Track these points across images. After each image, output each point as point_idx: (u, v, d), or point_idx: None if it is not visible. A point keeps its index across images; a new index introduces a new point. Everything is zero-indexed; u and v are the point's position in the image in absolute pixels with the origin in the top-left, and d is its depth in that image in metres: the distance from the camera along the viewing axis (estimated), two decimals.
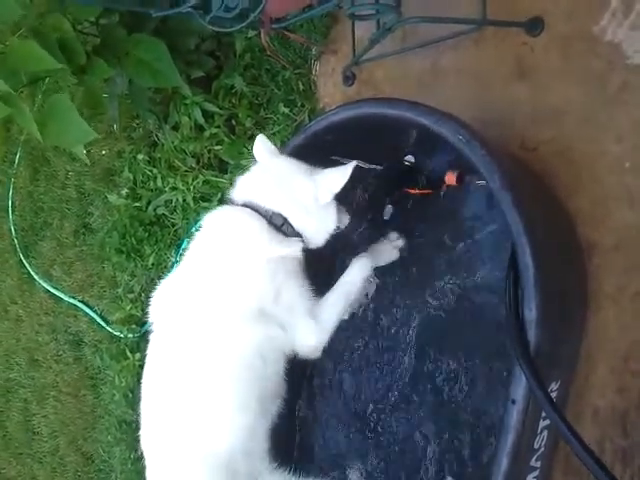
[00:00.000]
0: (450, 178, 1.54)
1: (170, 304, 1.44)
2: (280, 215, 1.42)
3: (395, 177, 1.66)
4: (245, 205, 1.43)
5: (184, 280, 1.45)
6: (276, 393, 1.43)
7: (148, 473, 1.41)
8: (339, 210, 1.49)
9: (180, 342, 1.39)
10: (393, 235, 1.63)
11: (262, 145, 1.52)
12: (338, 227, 1.50)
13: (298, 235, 1.44)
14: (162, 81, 2.03)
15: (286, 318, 1.39)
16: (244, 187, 1.47)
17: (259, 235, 1.39)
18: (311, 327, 1.41)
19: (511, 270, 1.26)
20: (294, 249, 1.42)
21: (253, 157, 1.54)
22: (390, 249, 1.62)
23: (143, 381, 1.44)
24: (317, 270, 1.51)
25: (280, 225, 1.41)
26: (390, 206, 1.64)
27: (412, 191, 1.64)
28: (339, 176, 1.40)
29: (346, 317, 1.62)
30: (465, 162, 1.29)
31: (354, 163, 1.40)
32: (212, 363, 1.36)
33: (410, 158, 1.65)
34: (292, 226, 1.43)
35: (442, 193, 1.62)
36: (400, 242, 1.62)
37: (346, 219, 1.52)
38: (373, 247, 1.61)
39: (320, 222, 1.46)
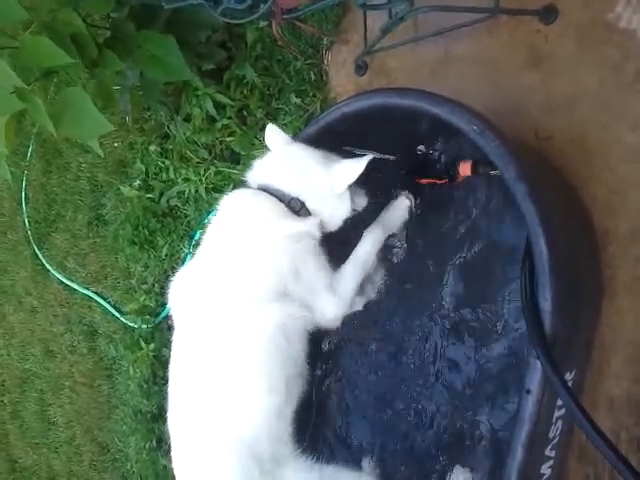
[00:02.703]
0: (464, 169, 1.53)
1: (190, 290, 1.45)
2: (297, 199, 1.44)
3: (408, 167, 1.65)
4: (261, 188, 1.45)
5: (203, 265, 1.46)
6: (300, 374, 1.45)
7: (174, 456, 1.43)
8: (357, 192, 1.51)
9: (204, 327, 1.40)
10: (401, 196, 1.63)
11: (274, 133, 1.54)
12: (355, 210, 1.52)
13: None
14: (173, 75, 2.02)
15: (306, 295, 1.41)
16: (261, 171, 1.49)
17: (276, 214, 1.41)
18: (330, 300, 1.44)
19: (526, 259, 1.26)
20: (310, 224, 1.43)
21: (266, 147, 1.54)
22: (399, 211, 1.62)
23: (170, 367, 1.46)
24: (331, 245, 1.52)
25: (298, 209, 1.43)
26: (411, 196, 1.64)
27: (425, 181, 1.64)
28: (354, 168, 1.41)
29: (360, 308, 1.63)
30: (479, 152, 1.28)
31: (370, 156, 1.41)
32: (236, 346, 1.37)
33: (421, 147, 1.65)
34: (309, 211, 1.45)
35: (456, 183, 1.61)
36: (408, 202, 1.62)
37: (364, 201, 1.54)
38: (383, 214, 1.61)
39: (334, 209, 1.47)
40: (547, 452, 1.36)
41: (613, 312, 1.53)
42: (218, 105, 2.32)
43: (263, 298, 1.37)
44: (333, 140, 1.55)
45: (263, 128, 2.25)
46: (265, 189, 1.45)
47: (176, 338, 1.46)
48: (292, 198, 1.43)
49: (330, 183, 1.43)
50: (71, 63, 1.76)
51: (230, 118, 2.32)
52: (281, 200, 1.43)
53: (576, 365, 1.41)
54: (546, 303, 1.18)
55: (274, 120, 2.25)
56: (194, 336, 1.43)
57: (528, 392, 1.21)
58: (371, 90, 1.64)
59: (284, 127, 2.21)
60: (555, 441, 1.36)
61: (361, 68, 2.07)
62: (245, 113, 2.32)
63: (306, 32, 2.16)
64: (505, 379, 1.51)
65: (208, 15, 1.56)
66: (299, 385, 1.45)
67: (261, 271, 1.39)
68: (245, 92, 2.31)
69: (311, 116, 2.15)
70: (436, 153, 1.63)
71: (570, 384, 1.36)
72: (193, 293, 1.45)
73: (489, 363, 1.55)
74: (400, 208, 1.61)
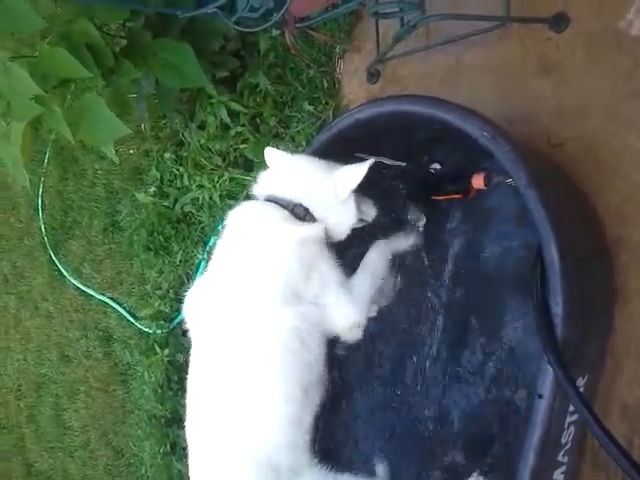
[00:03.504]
0: (478, 182, 1.53)
1: (205, 303, 1.47)
2: (301, 206, 1.45)
3: (421, 186, 1.67)
4: (267, 199, 1.48)
5: (216, 277, 1.47)
6: (319, 380, 1.44)
7: (191, 466, 1.44)
8: (364, 202, 1.52)
9: (220, 338, 1.41)
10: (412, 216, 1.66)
11: (273, 152, 1.56)
12: (363, 220, 1.53)
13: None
14: (189, 82, 2.06)
15: (319, 295, 1.42)
16: (265, 182, 1.52)
17: (282, 221, 1.42)
18: (347, 300, 1.44)
19: (538, 265, 1.27)
20: (316, 229, 1.44)
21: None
22: (406, 233, 1.66)
23: (189, 379, 1.47)
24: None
25: (303, 216, 1.45)
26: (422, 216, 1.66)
27: (439, 198, 1.65)
28: (356, 173, 1.42)
29: (374, 314, 1.63)
30: (491, 161, 1.29)
31: (372, 160, 1.42)
32: (253, 353, 1.38)
33: (436, 165, 1.66)
34: (314, 217, 1.46)
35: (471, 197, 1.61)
36: (419, 223, 1.65)
37: (373, 212, 1.55)
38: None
39: (340, 216, 1.48)
40: (560, 458, 1.36)
41: (626, 319, 1.53)
42: (232, 113, 2.35)
43: (276, 302, 1.38)
44: (346, 147, 1.57)
45: (276, 135, 2.30)
46: (270, 199, 1.47)
47: (194, 351, 1.47)
48: (296, 205, 1.45)
49: (333, 189, 1.44)
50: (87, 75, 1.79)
51: (244, 125, 2.34)
52: (285, 207, 1.45)
53: (588, 370, 1.41)
54: (557, 307, 1.19)
55: (287, 127, 2.28)
56: (211, 348, 1.44)
57: (540, 397, 1.21)
58: (383, 97, 1.65)
59: (297, 134, 2.23)
60: (568, 447, 1.36)
61: (373, 76, 2.09)
62: (258, 121, 2.34)
63: (319, 40, 2.18)
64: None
65: (222, 24, 1.59)
66: (318, 393, 1.45)
67: (272, 276, 1.40)
68: (258, 100, 2.33)
69: (324, 123, 2.17)
70: (447, 168, 1.64)
71: (582, 389, 1.37)
72: (207, 305, 1.46)
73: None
74: (406, 238, 1.66)
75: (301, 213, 1.45)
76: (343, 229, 1.50)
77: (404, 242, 1.66)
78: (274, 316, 1.38)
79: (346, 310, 1.44)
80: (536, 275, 1.27)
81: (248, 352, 1.38)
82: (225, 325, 1.41)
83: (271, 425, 1.36)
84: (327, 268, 1.44)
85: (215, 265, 1.49)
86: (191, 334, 1.49)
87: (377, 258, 1.55)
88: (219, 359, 1.41)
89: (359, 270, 1.52)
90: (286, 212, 1.44)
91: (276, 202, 1.46)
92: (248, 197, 2.31)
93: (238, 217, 1.50)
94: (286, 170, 1.52)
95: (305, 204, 1.45)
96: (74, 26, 1.87)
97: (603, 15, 1.59)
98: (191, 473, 1.44)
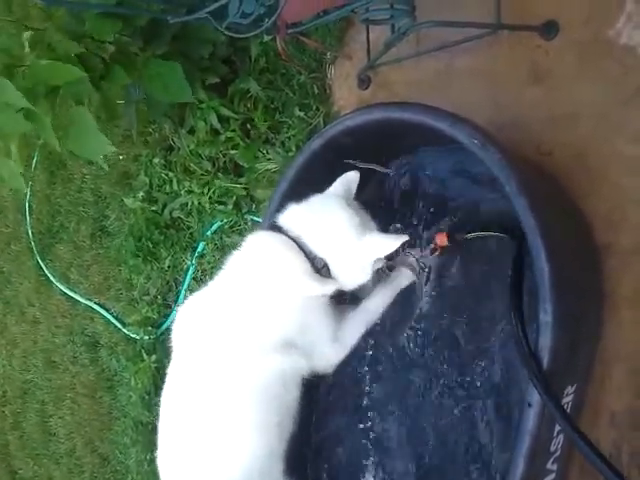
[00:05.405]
0: (441, 239, 1.53)
1: (196, 323, 1.46)
2: (322, 260, 1.43)
3: None
4: (291, 238, 1.43)
5: (215, 300, 1.47)
6: (292, 416, 1.46)
7: None
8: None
9: (202, 363, 1.41)
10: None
11: (345, 180, 1.51)
12: None
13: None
14: (174, 97, 2.10)
15: (310, 346, 1.44)
16: (295, 220, 1.45)
17: (300, 276, 1.41)
18: (333, 349, 1.49)
19: (516, 279, 1.27)
20: (330, 289, 1.45)
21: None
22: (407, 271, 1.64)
23: (162, 400, 1.47)
24: None
25: (320, 268, 1.43)
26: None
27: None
28: (387, 245, 1.41)
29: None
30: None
31: (405, 237, 1.41)
32: (233, 389, 1.38)
33: (398, 226, 1.67)
34: (330, 272, 1.44)
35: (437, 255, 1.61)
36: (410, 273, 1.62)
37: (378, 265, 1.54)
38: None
39: (356, 276, 1.48)
40: (549, 465, 1.36)
41: (615, 325, 1.53)
42: (222, 118, 2.34)
43: (267, 347, 1.39)
44: (336, 153, 1.57)
45: (267, 141, 2.29)
46: (295, 241, 1.43)
47: (172, 370, 1.46)
48: (317, 257, 1.42)
49: (359, 252, 1.42)
50: (80, 78, 1.79)
51: (234, 131, 2.33)
52: (307, 256, 1.42)
53: (577, 379, 1.41)
54: (547, 316, 1.19)
55: (277, 133, 2.27)
56: (191, 371, 1.43)
57: (529, 405, 1.21)
58: (374, 104, 1.65)
59: (287, 140, 2.23)
60: (557, 454, 1.36)
61: (364, 82, 2.09)
62: (249, 126, 2.34)
63: (310, 46, 2.18)
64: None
65: (212, 30, 1.58)
66: (291, 426, 1.46)
67: (271, 322, 1.41)
68: (249, 105, 2.32)
69: (314, 129, 2.17)
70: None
71: (571, 397, 1.37)
72: (198, 328, 1.45)
73: None
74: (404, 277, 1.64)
75: (319, 265, 1.43)
76: (353, 286, 1.50)
77: (405, 281, 1.64)
78: (263, 360, 1.39)
79: (330, 356, 1.49)
80: (514, 289, 1.28)
81: (230, 386, 1.39)
82: (211, 354, 1.41)
83: (244, 456, 1.38)
84: (325, 323, 1.47)
85: (219, 286, 1.48)
86: (174, 350, 1.47)
87: (379, 305, 1.57)
88: (198, 386, 1.41)
89: (357, 313, 1.54)
90: (308, 264, 1.41)
91: (299, 245, 1.42)
92: (238, 204, 2.37)
93: (259, 249, 1.47)
94: (320, 217, 1.45)
95: (326, 259, 1.43)
96: (61, 45, 1.87)
97: (593, 23, 1.60)
98: None
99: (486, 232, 1.49)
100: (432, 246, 1.58)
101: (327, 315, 1.47)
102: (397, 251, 1.45)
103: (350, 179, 1.51)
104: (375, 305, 1.56)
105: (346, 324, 1.52)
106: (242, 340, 1.39)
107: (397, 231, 1.66)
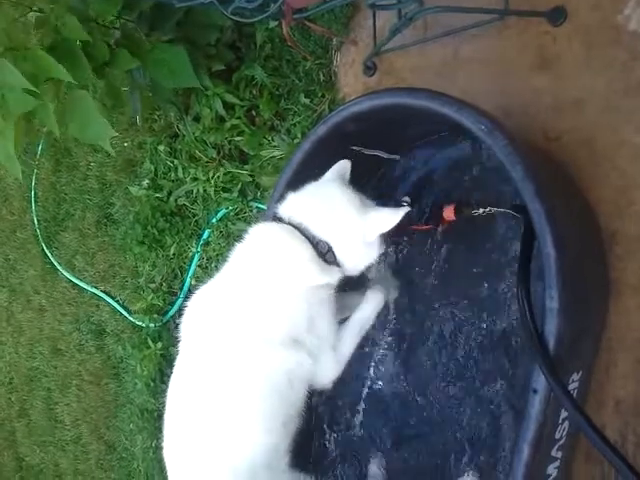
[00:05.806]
0: (448, 213, 1.53)
1: (203, 317, 1.45)
2: (326, 243, 1.41)
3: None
4: (293, 225, 1.42)
5: (220, 293, 1.45)
6: (298, 414, 1.46)
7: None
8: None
9: (210, 357, 1.41)
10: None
11: (339, 167, 1.51)
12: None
13: (338, 264, 1.44)
14: (180, 82, 2.09)
15: (315, 347, 1.43)
16: (295, 208, 1.44)
17: (306, 263, 1.39)
18: (333, 360, 1.48)
19: (523, 268, 1.26)
20: (335, 277, 1.43)
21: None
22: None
23: (169, 392, 1.46)
24: None
25: (325, 253, 1.41)
26: None
27: (413, 228, 1.67)
28: (390, 218, 1.39)
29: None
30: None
31: (407, 208, 1.40)
32: (240, 383, 1.38)
33: (407, 199, 1.66)
34: (335, 255, 1.42)
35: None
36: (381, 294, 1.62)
37: (382, 249, 1.52)
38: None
39: (361, 257, 1.46)
40: (553, 453, 1.36)
41: (620, 313, 1.53)
42: (227, 105, 2.33)
43: (276, 342, 1.38)
44: (341, 140, 1.56)
45: (272, 128, 2.29)
46: (297, 227, 1.41)
47: (179, 363, 1.46)
48: (320, 241, 1.40)
49: (362, 230, 1.41)
50: (75, 74, 1.79)
51: (239, 118, 2.33)
52: (310, 242, 1.40)
53: (583, 366, 1.41)
54: (553, 302, 1.18)
55: (283, 120, 2.27)
56: (199, 364, 1.43)
57: (534, 392, 1.21)
58: (380, 90, 1.64)
59: (293, 127, 2.22)
60: (562, 442, 1.36)
61: (370, 69, 2.08)
62: (254, 113, 2.33)
63: (315, 32, 2.16)
64: None
65: (218, 16, 1.57)
66: (296, 423, 1.47)
67: (278, 314, 1.40)
68: (254, 92, 2.32)
69: (320, 116, 2.16)
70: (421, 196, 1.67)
71: (577, 384, 1.36)
72: (206, 321, 1.44)
73: None
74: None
75: (323, 250, 1.41)
76: (360, 268, 1.48)
77: (395, 293, 1.70)
78: (270, 355, 1.38)
79: (330, 371, 1.49)
80: (521, 277, 1.27)
81: (236, 380, 1.38)
82: (219, 347, 1.40)
83: (250, 450, 1.38)
84: (329, 320, 1.45)
85: (224, 279, 1.46)
86: (182, 343, 1.47)
87: (370, 314, 1.56)
88: (205, 380, 1.40)
89: (350, 325, 1.53)
90: (311, 249, 1.40)
91: (301, 232, 1.41)
92: (243, 192, 2.37)
93: (261, 239, 1.45)
94: (319, 200, 1.45)
95: (330, 242, 1.41)
96: (65, 28, 1.86)
97: (601, 9, 1.59)
98: None
99: (494, 208, 1.50)
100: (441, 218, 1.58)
101: (331, 311, 1.45)
102: (401, 225, 1.42)
103: (343, 166, 1.50)
104: (366, 314, 1.56)
105: (341, 335, 1.50)
106: (249, 334, 1.38)
107: (405, 205, 1.64)
